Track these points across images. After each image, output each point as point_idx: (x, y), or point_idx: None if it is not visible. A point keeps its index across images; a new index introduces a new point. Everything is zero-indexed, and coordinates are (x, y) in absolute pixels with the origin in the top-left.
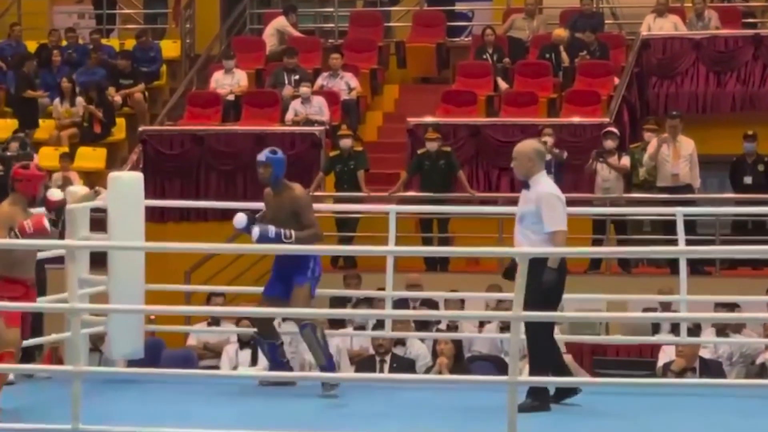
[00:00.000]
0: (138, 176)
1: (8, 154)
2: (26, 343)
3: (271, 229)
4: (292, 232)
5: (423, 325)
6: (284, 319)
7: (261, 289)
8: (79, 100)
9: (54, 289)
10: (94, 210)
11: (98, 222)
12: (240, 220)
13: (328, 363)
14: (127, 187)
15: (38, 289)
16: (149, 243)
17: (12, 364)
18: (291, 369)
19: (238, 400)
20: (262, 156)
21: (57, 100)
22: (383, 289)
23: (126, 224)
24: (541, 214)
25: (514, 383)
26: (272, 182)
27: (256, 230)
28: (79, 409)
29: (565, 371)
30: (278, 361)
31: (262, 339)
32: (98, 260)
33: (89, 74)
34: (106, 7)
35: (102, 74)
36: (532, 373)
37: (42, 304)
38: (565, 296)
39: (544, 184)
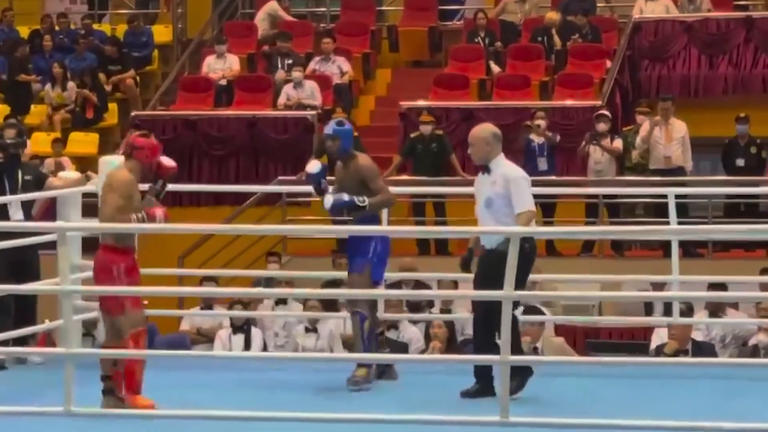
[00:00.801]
0: None
1: (8, 141)
2: (21, 331)
3: (344, 195)
4: (365, 197)
5: (415, 308)
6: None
7: (254, 272)
8: (71, 84)
9: (46, 276)
10: (86, 195)
11: (90, 207)
12: (314, 165)
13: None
14: None
15: (31, 274)
16: (139, 225)
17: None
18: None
19: (229, 385)
20: (329, 129)
21: (48, 86)
22: None
23: None
24: (510, 196)
25: (507, 363)
26: (340, 154)
27: (329, 198)
28: (71, 392)
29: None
30: (367, 347)
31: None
32: (92, 246)
33: (80, 60)
34: None
35: (93, 59)
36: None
37: (34, 286)
38: (559, 276)
39: (508, 167)
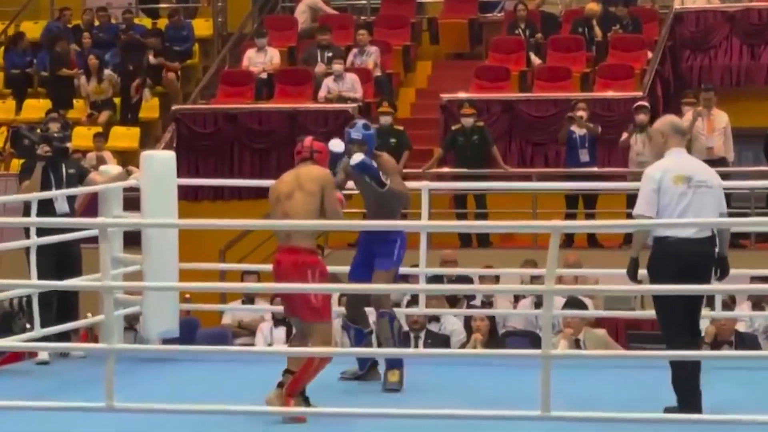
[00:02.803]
0: (170, 155)
1: (54, 134)
2: (61, 326)
3: (373, 162)
4: (388, 178)
5: (455, 301)
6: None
7: None
8: (107, 73)
9: (88, 270)
10: (127, 189)
11: (131, 201)
12: (338, 144)
13: (394, 360)
14: (159, 166)
15: (73, 268)
16: (181, 220)
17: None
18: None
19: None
20: (359, 134)
21: (83, 78)
22: (417, 265)
23: (159, 203)
24: None
25: (548, 357)
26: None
27: (359, 155)
28: (112, 387)
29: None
30: (398, 346)
31: (350, 324)
32: (134, 240)
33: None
34: None
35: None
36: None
37: (76, 281)
38: (599, 271)
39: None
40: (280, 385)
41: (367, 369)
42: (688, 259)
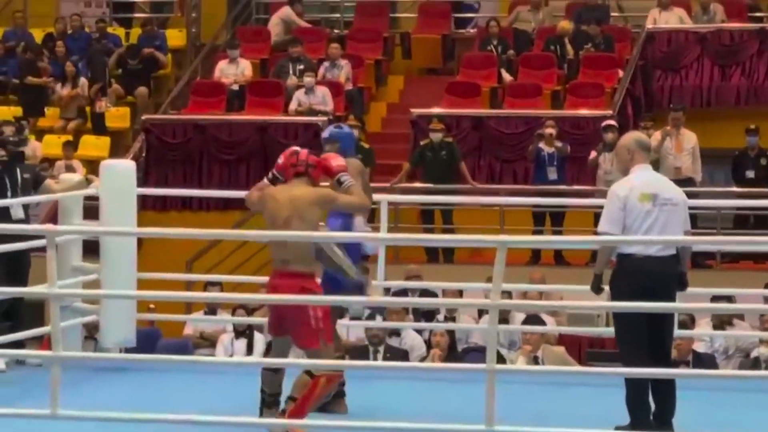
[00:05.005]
0: (130, 164)
1: (9, 138)
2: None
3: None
4: (348, 177)
5: (422, 316)
6: None
7: (261, 279)
8: (83, 81)
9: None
10: (88, 198)
11: (93, 211)
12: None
13: None
14: (119, 176)
15: (21, 275)
16: (135, 228)
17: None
18: None
19: (228, 388)
20: (326, 132)
21: (59, 85)
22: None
23: (118, 212)
24: None
25: (492, 371)
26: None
27: (330, 128)
28: (57, 394)
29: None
30: None
31: None
32: (93, 249)
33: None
34: None
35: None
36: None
37: (22, 289)
38: (564, 287)
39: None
40: (283, 412)
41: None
42: (651, 276)
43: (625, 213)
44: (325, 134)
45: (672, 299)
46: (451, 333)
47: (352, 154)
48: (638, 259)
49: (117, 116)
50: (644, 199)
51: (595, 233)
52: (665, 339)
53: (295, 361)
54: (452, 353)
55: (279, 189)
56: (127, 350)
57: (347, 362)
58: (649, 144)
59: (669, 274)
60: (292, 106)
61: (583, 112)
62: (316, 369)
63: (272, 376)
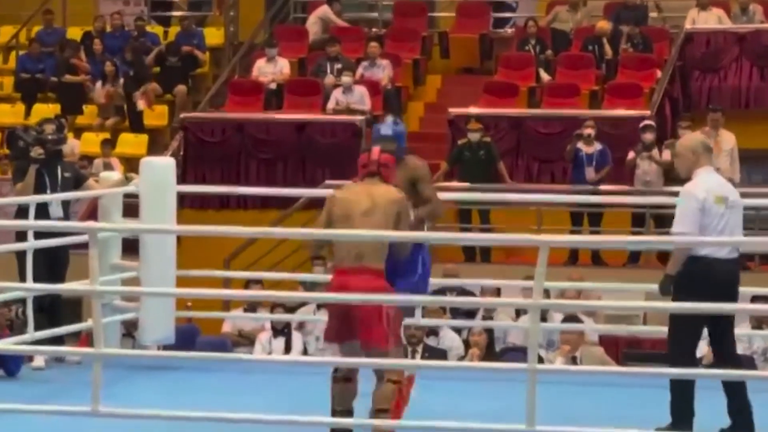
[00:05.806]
0: (170, 161)
1: (48, 136)
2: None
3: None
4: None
5: (461, 315)
6: None
7: (300, 276)
8: (121, 79)
9: (83, 275)
10: (128, 196)
11: (133, 208)
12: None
13: None
14: (159, 173)
15: (59, 273)
16: (176, 226)
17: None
18: None
19: (266, 387)
20: (389, 129)
21: (99, 84)
22: None
23: (157, 209)
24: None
25: (534, 371)
26: (398, 157)
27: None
28: (98, 391)
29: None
30: None
31: None
32: (130, 248)
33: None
34: None
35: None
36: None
37: (65, 285)
38: (605, 285)
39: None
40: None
41: None
42: (722, 279)
43: (702, 215)
44: (385, 131)
45: (736, 301)
46: (489, 332)
47: (404, 150)
48: (711, 261)
49: (155, 114)
50: (719, 201)
51: (632, 233)
52: (728, 340)
53: (330, 359)
54: (490, 353)
55: (349, 189)
56: (165, 347)
57: (387, 361)
58: (711, 146)
59: (737, 277)
60: (330, 105)
61: (621, 112)
62: (389, 373)
63: (343, 387)
